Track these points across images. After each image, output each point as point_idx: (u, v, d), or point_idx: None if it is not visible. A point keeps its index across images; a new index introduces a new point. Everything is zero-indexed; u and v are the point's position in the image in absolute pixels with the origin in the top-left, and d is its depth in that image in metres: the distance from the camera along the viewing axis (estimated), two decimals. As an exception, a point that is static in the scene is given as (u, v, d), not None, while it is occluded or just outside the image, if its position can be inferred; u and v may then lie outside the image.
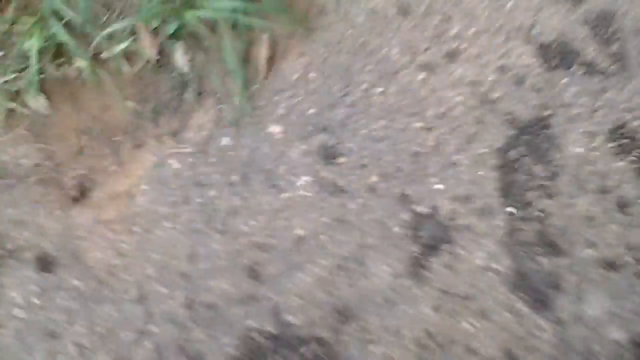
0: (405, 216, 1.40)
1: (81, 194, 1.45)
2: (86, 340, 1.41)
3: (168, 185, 1.43)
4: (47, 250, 1.43)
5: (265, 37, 1.46)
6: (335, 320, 1.38)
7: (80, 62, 1.40)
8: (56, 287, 1.43)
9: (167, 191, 1.43)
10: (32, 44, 1.36)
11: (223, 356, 1.39)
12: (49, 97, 1.44)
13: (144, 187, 1.44)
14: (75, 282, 1.43)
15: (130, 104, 1.45)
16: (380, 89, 1.45)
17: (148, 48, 1.43)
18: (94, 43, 1.38)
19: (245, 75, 1.45)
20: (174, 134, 1.44)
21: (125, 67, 1.44)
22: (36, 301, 1.43)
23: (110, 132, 1.45)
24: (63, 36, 1.38)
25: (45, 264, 1.43)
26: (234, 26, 1.44)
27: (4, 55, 1.42)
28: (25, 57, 1.40)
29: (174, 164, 1.44)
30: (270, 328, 1.39)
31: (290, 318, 1.39)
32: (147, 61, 1.45)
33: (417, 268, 1.38)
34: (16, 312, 1.43)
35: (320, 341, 1.38)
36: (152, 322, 1.41)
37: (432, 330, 1.35)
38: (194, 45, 1.45)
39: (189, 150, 1.43)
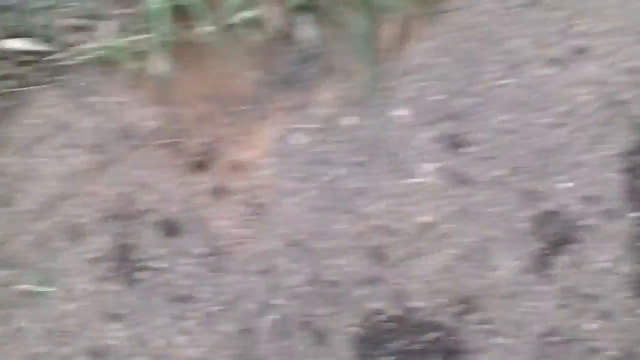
0: (532, 212, 1.38)
1: (205, 161, 1.39)
2: (210, 307, 1.37)
3: (294, 160, 1.38)
4: (172, 215, 1.38)
5: (396, 17, 1.40)
6: (459, 310, 1.35)
7: (208, 27, 1.31)
8: (182, 252, 1.38)
9: (293, 166, 1.38)
10: (160, 3, 1.25)
11: (347, 335, 1.36)
12: (173, 60, 1.36)
13: (269, 159, 1.39)
14: (201, 249, 1.38)
15: (256, 73, 1.37)
16: (507, 81, 1.41)
17: (276, 17, 1.36)
18: (223, 8, 1.29)
19: (372, 54, 1.39)
20: (300, 108, 1.37)
21: (252, 36, 1.36)
22: (162, 265, 1.37)
23: (235, 101, 1.38)
24: (192, -2, 1.29)
25: (170, 228, 1.38)
26: (365, 2, 1.38)
27: (131, 14, 1.31)
28: (151, 17, 1.30)
29: (301, 138, 1.38)
30: (394, 312, 1.36)
31: (414, 303, 1.36)
32: (275, 31, 1.37)
33: (541, 265, 1.36)
34: (141, 274, 1.37)
35: (443, 329, 1.35)
36: (277, 296, 1.37)
37: (555, 326, 1.34)
38: (322, 20, 1.39)
39: (315, 126, 1.37)
